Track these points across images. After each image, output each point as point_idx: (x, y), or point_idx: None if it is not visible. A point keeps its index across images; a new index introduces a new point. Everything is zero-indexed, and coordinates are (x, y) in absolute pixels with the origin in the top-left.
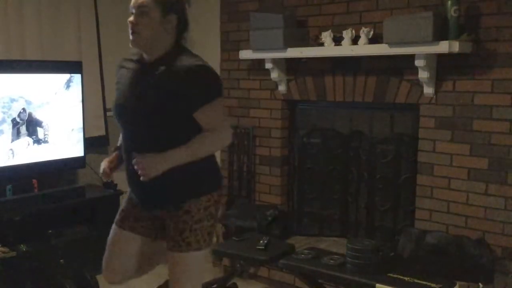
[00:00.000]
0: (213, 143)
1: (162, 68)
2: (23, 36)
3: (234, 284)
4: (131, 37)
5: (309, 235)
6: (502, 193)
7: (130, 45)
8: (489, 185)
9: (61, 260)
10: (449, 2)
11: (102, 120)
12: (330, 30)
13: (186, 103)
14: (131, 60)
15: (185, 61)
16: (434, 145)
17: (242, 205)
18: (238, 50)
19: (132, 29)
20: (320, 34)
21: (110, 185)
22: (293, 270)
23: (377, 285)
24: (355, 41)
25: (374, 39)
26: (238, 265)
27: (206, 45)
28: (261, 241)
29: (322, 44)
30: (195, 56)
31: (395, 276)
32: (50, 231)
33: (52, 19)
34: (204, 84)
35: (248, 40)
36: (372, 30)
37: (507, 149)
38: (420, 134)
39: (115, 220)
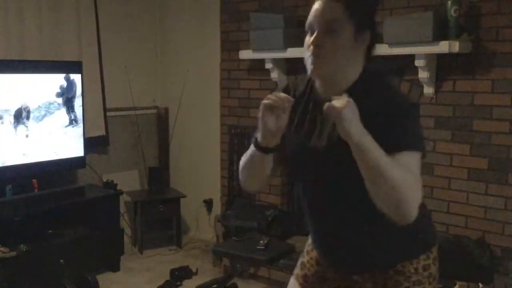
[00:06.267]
0: (401, 179)
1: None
2: (23, 36)
3: (234, 284)
4: (312, 64)
5: (309, 235)
6: (502, 193)
7: (310, 75)
8: (489, 185)
9: (61, 260)
10: (449, 2)
11: (102, 120)
12: None
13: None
14: (305, 96)
15: (381, 96)
16: (434, 145)
17: (242, 205)
18: (238, 50)
19: (315, 52)
20: None
21: (110, 185)
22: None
23: None
24: None
25: None
26: (238, 265)
27: (206, 45)
28: (261, 241)
29: None
30: (391, 87)
31: None
32: (50, 231)
33: (52, 19)
34: (408, 130)
35: (248, 40)
36: None
37: (507, 149)
38: None
39: (294, 272)
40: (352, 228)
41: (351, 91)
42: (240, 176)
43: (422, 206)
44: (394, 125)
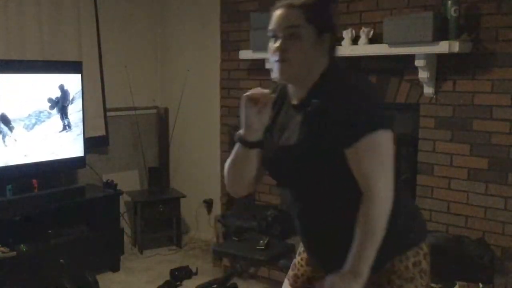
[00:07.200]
0: (375, 225)
1: (315, 105)
2: (23, 36)
3: (234, 284)
4: (278, 67)
5: None
6: (502, 193)
7: (277, 79)
8: (489, 185)
9: (61, 260)
10: (449, 2)
11: (102, 120)
12: None
13: (335, 145)
14: (278, 102)
15: (336, 90)
16: (434, 145)
17: (242, 205)
18: (238, 50)
19: (280, 56)
20: None
21: (110, 185)
22: None
23: None
24: (355, 41)
25: (374, 39)
26: (238, 265)
27: (206, 45)
28: (261, 241)
29: None
30: (349, 79)
31: None
32: (50, 231)
33: (52, 19)
34: (352, 116)
35: (248, 40)
36: (372, 30)
37: (507, 149)
38: (420, 134)
39: (288, 274)
40: (331, 227)
41: (316, 89)
42: (226, 180)
43: (402, 206)
44: (335, 123)
